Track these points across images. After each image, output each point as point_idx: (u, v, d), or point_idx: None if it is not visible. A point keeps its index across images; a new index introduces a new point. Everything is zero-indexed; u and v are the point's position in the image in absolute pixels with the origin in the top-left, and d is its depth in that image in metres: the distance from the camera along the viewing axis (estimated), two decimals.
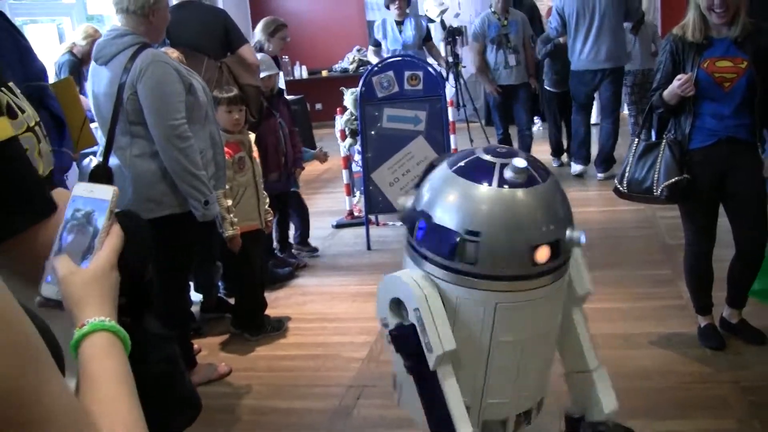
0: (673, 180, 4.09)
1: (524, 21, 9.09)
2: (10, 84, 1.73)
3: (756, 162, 4.19)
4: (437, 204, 1.74)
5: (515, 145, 8.81)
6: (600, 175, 8.72)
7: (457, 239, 1.70)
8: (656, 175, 4.14)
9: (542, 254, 1.68)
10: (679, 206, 4.35)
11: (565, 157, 9.58)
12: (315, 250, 6.81)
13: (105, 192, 1.28)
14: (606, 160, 8.75)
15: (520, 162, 1.73)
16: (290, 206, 6.54)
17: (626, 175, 4.30)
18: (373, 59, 8.64)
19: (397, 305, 1.83)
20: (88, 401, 1.03)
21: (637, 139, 4.32)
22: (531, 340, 2.08)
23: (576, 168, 8.94)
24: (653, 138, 4.34)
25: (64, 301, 1.20)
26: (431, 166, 1.83)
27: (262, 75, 5.91)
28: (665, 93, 4.10)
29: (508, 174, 1.73)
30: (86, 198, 1.28)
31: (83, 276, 1.21)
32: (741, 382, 3.99)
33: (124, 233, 1.31)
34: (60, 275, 1.21)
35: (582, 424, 2.28)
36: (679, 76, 4.02)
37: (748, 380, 4.00)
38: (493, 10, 8.92)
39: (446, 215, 1.72)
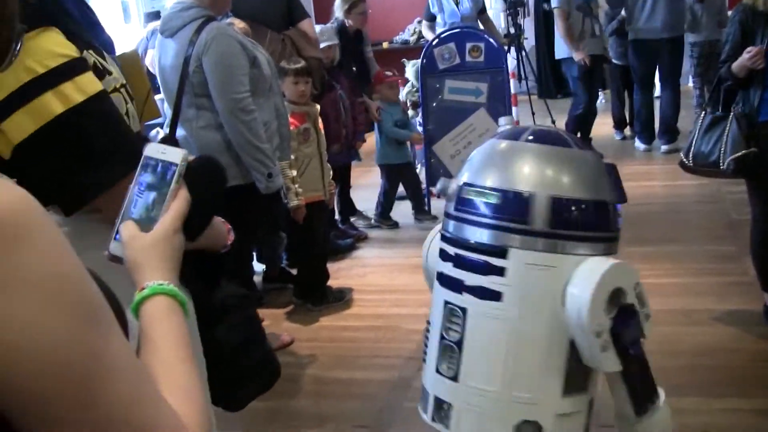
0: (740, 153, 4.01)
1: None
2: (99, 48, 1.79)
3: None
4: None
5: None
6: (664, 147, 8.60)
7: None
8: (723, 149, 4.06)
9: None
10: (746, 180, 4.28)
11: (628, 131, 9.46)
12: (395, 224, 6.88)
13: (175, 155, 1.28)
14: (668, 131, 8.62)
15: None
16: (404, 177, 6.71)
17: (692, 148, 4.23)
18: (429, 35, 8.16)
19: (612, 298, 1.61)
20: (147, 363, 1.05)
21: (703, 112, 4.26)
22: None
23: (640, 146, 8.84)
24: (720, 111, 4.26)
25: (125, 264, 1.23)
26: None
27: (322, 45, 5.96)
28: (734, 65, 4.02)
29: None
30: (157, 159, 1.28)
31: (144, 241, 1.23)
32: None
33: (194, 189, 1.31)
34: (123, 239, 1.25)
35: None
36: (748, 49, 3.95)
37: None
38: None
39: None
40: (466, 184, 1.61)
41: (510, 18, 10.56)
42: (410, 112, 7.40)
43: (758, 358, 4.03)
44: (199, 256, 1.78)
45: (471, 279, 1.54)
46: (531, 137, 1.60)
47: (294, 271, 5.45)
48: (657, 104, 8.92)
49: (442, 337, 1.62)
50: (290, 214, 4.74)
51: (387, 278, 5.66)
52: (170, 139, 3.94)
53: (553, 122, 8.40)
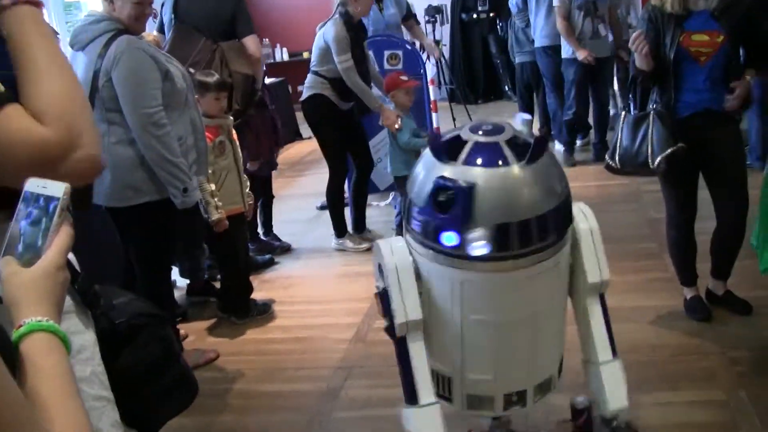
0: (669, 151, 4.03)
1: None
2: None
3: (735, 133, 4.20)
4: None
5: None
6: (578, 142, 8.81)
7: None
8: (650, 148, 4.06)
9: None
10: (660, 180, 4.34)
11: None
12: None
13: (57, 188, 1.24)
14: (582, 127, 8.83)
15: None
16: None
17: (617, 150, 4.23)
18: None
19: (380, 271, 1.86)
20: (28, 401, 1.02)
21: (624, 113, 4.27)
22: (508, 322, 2.07)
23: (559, 148, 8.94)
24: (638, 111, 4.26)
25: (3, 301, 1.19)
26: None
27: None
28: (636, 62, 4.06)
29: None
30: (38, 193, 1.24)
31: (23, 277, 1.18)
32: (728, 353, 4.01)
33: None
34: (3, 276, 1.20)
35: (592, 416, 2.30)
36: (633, 35, 4.01)
37: (735, 351, 4.01)
38: None
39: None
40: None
41: (429, 25, 10.65)
42: None
43: (683, 352, 4.08)
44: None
45: None
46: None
47: (217, 285, 5.36)
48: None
49: None
50: (211, 228, 4.67)
51: (312, 288, 5.62)
52: None
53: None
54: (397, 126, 5.91)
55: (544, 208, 1.81)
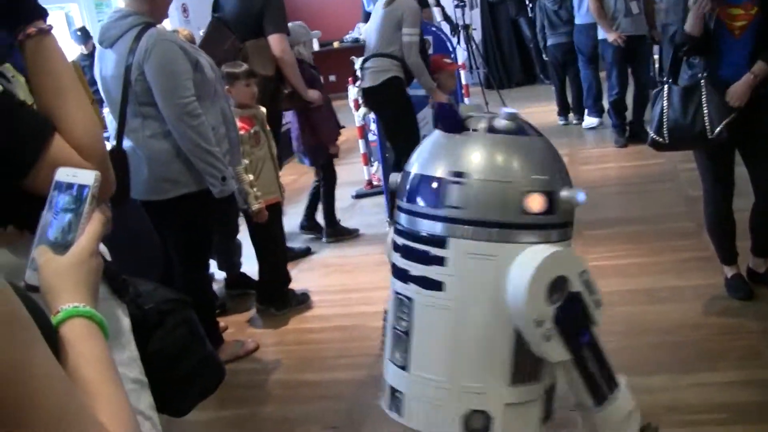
0: (731, 117, 3.94)
1: None
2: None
3: None
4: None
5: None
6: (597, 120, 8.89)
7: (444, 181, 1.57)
8: (707, 117, 3.96)
9: (534, 203, 1.51)
10: (696, 156, 4.30)
11: (572, 116, 9.53)
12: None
13: (87, 177, 1.26)
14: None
15: (509, 109, 1.65)
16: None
17: (665, 123, 4.09)
18: None
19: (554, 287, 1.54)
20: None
21: (666, 86, 4.13)
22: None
23: (592, 121, 8.89)
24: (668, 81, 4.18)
25: (41, 289, 1.21)
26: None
27: (305, 39, 6.06)
28: (687, 26, 3.97)
29: (498, 122, 1.63)
30: (69, 182, 1.26)
31: (58, 264, 1.20)
32: None
33: None
34: (38, 264, 1.22)
35: None
36: None
37: None
38: None
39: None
40: (413, 175, 1.58)
41: (459, 9, 10.59)
42: (362, 110, 7.35)
43: (723, 332, 4.04)
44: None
45: (415, 269, 1.55)
46: (483, 126, 1.57)
47: (255, 277, 5.39)
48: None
49: (394, 327, 1.62)
50: (250, 218, 4.70)
51: (350, 277, 5.63)
52: (117, 151, 3.87)
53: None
54: None
55: (569, 179, 1.64)
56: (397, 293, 1.60)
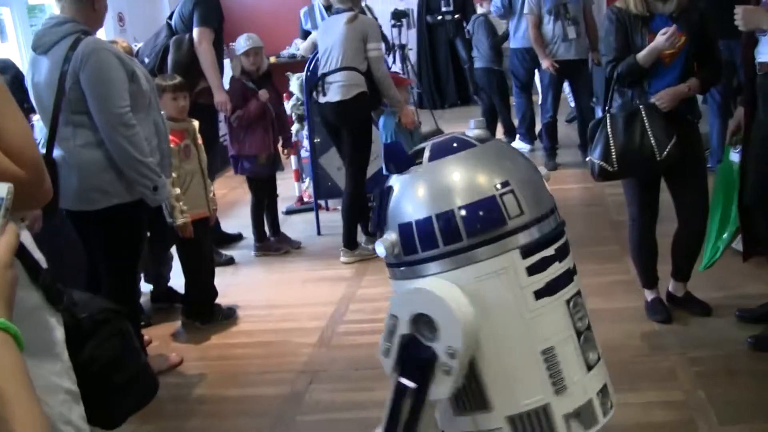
0: (676, 138, 4.03)
1: None
2: None
3: (695, 135, 4.26)
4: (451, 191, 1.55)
5: (562, 132, 8.68)
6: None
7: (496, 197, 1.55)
8: (653, 140, 4.02)
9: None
10: (623, 182, 4.39)
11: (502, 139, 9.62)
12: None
13: (1, 189, 1.23)
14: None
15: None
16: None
17: (613, 150, 4.13)
18: (306, 53, 7.75)
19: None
20: None
21: (608, 115, 4.18)
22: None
23: (523, 146, 8.99)
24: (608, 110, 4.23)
25: None
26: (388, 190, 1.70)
27: (244, 49, 6.05)
28: (641, 56, 4.05)
29: (471, 132, 1.66)
30: None
31: None
32: (687, 353, 4.07)
33: None
34: None
35: None
36: (663, 30, 3.99)
37: (694, 351, 4.08)
38: None
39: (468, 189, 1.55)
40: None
41: (395, 30, 10.63)
42: (296, 126, 7.35)
43: (643, 354, 4.14)
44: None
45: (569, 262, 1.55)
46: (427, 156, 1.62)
47: (181, 290, 5.35)
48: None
49: (580, 332, 1.50)
50: (176, 232, 4.67)
51: (277, 293, 5.62)
52: (47, 160, 3.83)
53: (440, 131, 8.42)
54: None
55: (448, 205, 1.62)
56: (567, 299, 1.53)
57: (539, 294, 1.42)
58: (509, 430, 1.46)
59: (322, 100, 6.05)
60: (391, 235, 1.59)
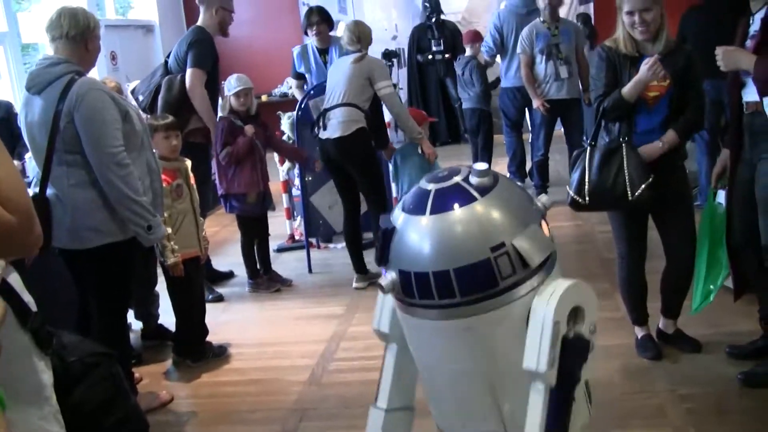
0: (651, 179, 4.05)
1: (577, 30, 8.44)
2: None
3: (682, 173, 4.30)
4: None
5: (553, 169, 8.72)
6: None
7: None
8: (627, 180, 4.05)
9: None
10: (611, 219, 4.42)
11: None
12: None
13: None
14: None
15: (480, 165, 1.79)
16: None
17: (586, 184, 4.19)
18: (298, 93, 8.04)
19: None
20: None
21: (588, 148, 4.24)
22: (448, 372, 2.06)
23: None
24: (595, 144, 4.26)
25: None
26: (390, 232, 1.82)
27: (234, 91, 6.08)
28: (626, 90, 4.07)
29: (475, 180, 1.77)
30: None
31: None
32: (677, 390, 4.07)
33: None
34: None
35: None
36: (645, 61, 4.03)
37: (685, 388, 4.08)
38: (542, 19, 8.17)
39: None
40: None
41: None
42: (287, 165, 7.39)
43: (633, 391, 4.13)
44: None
45: None
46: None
47: (172, 328, 5.34)
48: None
49: None
50: (167, 271, 4.68)
51: (268, 331, 5.61)
52: (41, 199, 3.84)
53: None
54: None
55: (445, 266, 1.76)
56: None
57: None
58: None
59: (323, 135, 6.11)
60: (392, 275, 1.74)
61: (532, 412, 1.87)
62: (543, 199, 1.91)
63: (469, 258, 1.75)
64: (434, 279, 1.75)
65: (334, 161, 6.16)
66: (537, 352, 1.83)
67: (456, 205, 1.78)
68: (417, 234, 1.77)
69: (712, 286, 4.37)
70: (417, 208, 1.78)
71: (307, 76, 7.93)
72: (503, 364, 1.93)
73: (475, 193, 1.80)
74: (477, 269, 1.75)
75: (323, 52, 7.75)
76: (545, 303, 1.83)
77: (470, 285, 1.75)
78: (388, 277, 1.78)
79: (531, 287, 1.82)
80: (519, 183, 9.03)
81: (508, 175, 9.09)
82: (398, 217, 1.81)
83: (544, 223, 1.96)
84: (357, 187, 6.23)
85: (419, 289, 1.78)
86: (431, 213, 1.76)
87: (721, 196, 4.33)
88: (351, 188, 6.24)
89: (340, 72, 6.09)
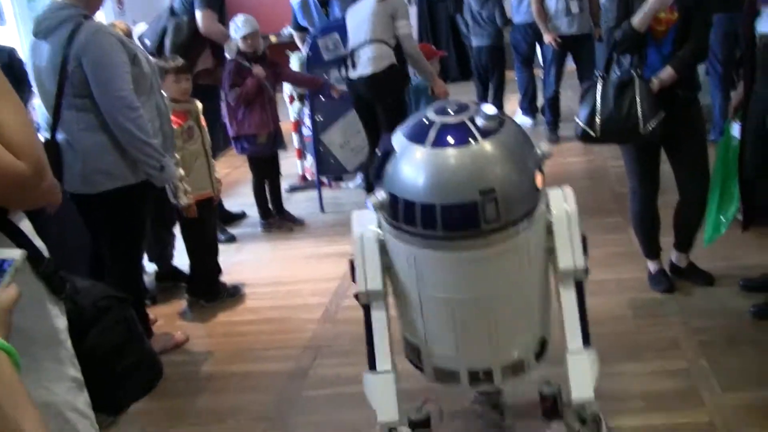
0: (662, 115, 4.02)
1: None
2: None
3: (695, 108, 4.25)
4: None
5: (564, 105, 8.56)
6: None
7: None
8: (640, 113, 4.02)
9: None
10: (623, 153, 4.40)
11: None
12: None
13: (13, 253, 1.33)
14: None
15: (489, 108, 1.80)
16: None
17: (598, 116, 4.15)
18: (300, 44, 7.89)
19: None
20: None
21: (601, 80, 4.19)
22: (460, 300, 2.09)
23: (525, 121, 8.94)
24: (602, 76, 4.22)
25: None
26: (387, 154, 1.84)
27: (242, 34, 6.06)
28: (636, 20, 4.03)
29: (480, 121, 1.78)
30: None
31: None
32: (690, 323, 4.09)
33: None
34: None
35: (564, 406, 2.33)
36: None
37: (697, 321, 4.10)
38: None
39: None
40: None
41: None
42: (297, 104, 7.36)
43: (647, 323, 4.16)
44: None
45: None
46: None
47: (186, 269, 5.37)
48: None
49: None
50: (180, 212, 4.69)
51: (281, 270, 5.64)
52: (51, 144, 3.83)
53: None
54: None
55: (432, 200, 1.80)
56: None
57: None
58: None
59: (353, 75, 6.10)
60: (382, 195, 1.77)
61: (569, 308, 2.09)
62: (544, 147, 1.93)
63: (456, 197, 1.79)
64: (420, 211, 1.79)
65: (364, 99, 6.17)
66: (571, 252, 2.05)
67: (456, 143, 1.80)
68: (412, 164, 1.80)
69: (723, 218, 4.36)
70: (418, 136, 1.79)
71: (310, 29, 7.76)
72: (523, 284, 2.07)
73: (478, 135, 1.82)
74: (462, 209, 1.81)
75: (324, 3, 7.66)
76: (563, 209, 1.98)
77: (495, 212, 1.82)
78: (379, 196, 1.81)
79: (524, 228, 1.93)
80: (530, 120, 8.97)
81: (520, 111, 9.04)
82: (398, 140, 1.82)
83: (538, 173, 1.98)
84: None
85: (405, 215, 1.83)
86: (432, 146, 1.78)
87: (736, 130, 4.29)
88: (379, 128, 6.22)
89: (362, 12, 6.07)
